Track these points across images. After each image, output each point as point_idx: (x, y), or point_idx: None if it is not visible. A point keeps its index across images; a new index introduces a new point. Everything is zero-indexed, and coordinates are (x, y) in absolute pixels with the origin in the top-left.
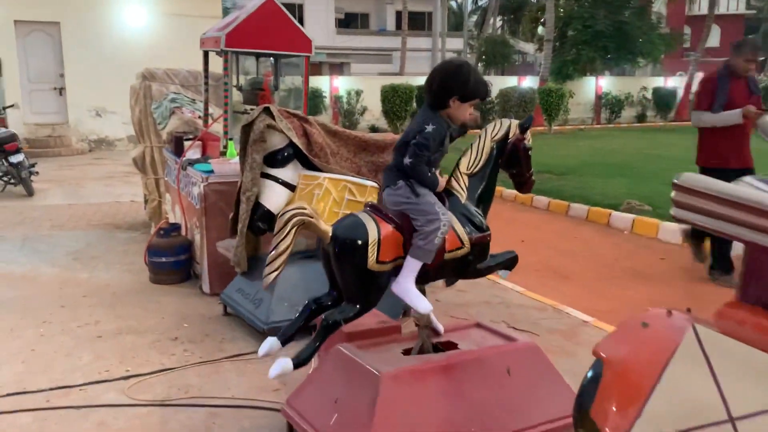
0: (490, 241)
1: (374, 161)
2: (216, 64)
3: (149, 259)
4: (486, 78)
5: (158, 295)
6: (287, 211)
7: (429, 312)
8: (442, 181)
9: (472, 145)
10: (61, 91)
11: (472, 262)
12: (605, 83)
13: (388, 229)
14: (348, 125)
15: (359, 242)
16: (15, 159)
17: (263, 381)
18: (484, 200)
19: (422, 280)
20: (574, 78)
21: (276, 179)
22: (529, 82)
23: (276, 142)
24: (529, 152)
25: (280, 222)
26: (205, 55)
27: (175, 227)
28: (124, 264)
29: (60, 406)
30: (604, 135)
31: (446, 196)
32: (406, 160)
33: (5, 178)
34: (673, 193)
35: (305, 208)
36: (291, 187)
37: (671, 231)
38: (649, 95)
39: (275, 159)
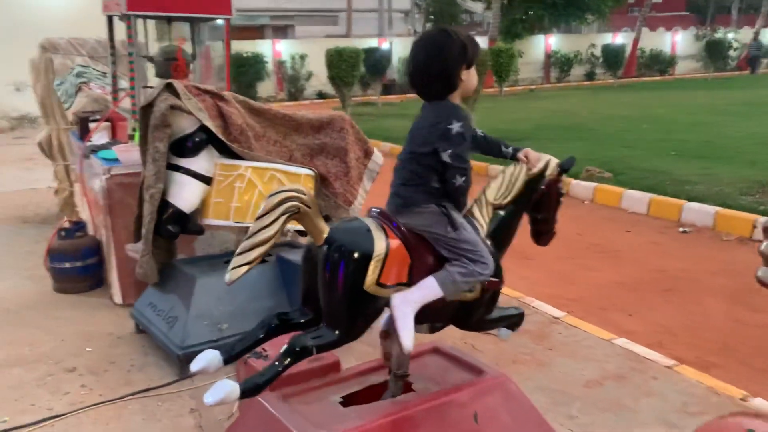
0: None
1: (308, 144)
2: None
3: (50, 264)
4: None
5: (61, 309)
6: (281, 191)
7: (408, 351)
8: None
9: (504, 170)
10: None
11: (478, 310)
12: (554, 41)
13: (397, 245)
14: (293, 91)
15: (360, 254)
16: None
17: (177, 426)
18: (501, 242)
19: (416, 319)
20: (523, 37)
21: (187, 171)
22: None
23: (184, 125)
24: (561, 199)
25: (269, 204)
26: (110, 20)
27: (80, 226)
28: (26, 269)
29: None
30: (555, 95)
31: (467, 221)
32: (459, 181)
33: None
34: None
35: (304, 193)
36: (206, 180)
37: (635, 199)
38: (597, 52)
39: (184, 147)
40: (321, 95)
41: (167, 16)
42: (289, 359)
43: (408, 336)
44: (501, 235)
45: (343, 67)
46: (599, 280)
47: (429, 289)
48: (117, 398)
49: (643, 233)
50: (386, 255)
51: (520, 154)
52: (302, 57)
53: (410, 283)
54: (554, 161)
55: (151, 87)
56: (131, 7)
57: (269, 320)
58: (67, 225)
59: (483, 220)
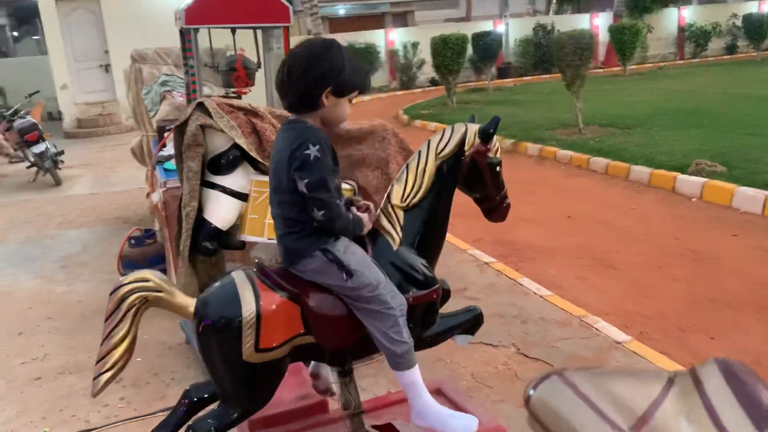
0: (440, 298)
1: (349, 154)
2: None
3: (122, 270)
4: (559, 16)
5: None
6: (121, 286)
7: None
8: (367, 217)
9: (408, 165)
10: (107, 68)
11: (412, 332)
12: (688, 13)
13: (273, 300)
14: (406, 80)
15: (228, 323)
16: (37, 149)
17: None
18: (430, 242)
19: (338, 361)
20: (652, 11)
21: (222, 188)
22: (602, 20)
23: (218, 143)
24: (498, 168)
25: (112, 301)
26: (181, 31)
27: (149, 234)
28: (108, 272)
29: None
30: (686, 73)
31: (370, 240)
32: (317, 215)
33: (35, 168)
34: None
35: (148, 279)
36: (243, 197)
37: (749, 197)
38: (739, 23)
39: (219, 164)
40: (434, 82)
41: (229, 28)
42: None
43: (461, 424)
44: (427, 236)
45: (449, 55)
46: (687, 294)
47: (406, 380)
48: (148, 414)
49: (752, 238)
50: (258, 316)
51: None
52: (414, 45)
53: (308, 331)
54: (473, 129)
55: (225, 96)
56: (189, 21)
57: (187, 395)
58: (137, 233)
59: (394, 230)
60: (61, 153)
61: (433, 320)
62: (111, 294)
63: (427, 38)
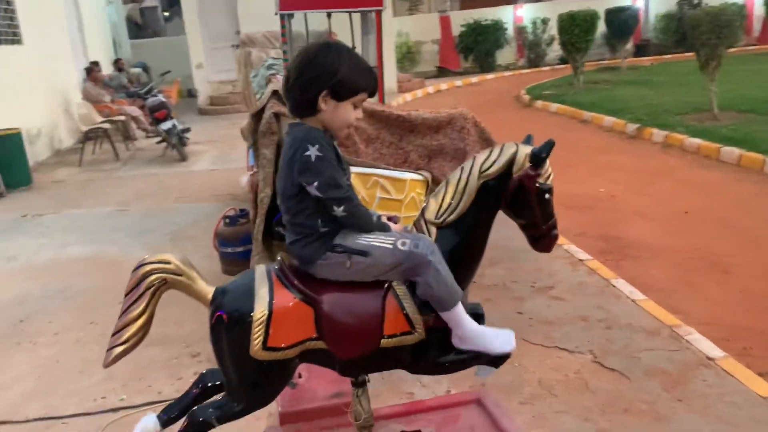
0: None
1: (426, 145)
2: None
3: (218, 247)
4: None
5: None
6: (143, 264)
7: (508, 350)
8: (397, 227)
9: (448, 180)
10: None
11: (428, 353)
12: None
13: (287, 299)
14: (534, 58)
15: (239, 319)
16: (165, 126)
17: (251, 426)
18: (461, 264)
19: (348, 372)
20: None
21: None
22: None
23: None
24: (548, 195)
25: (133, 278)
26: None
27: (243, 214)
28: (210, 248)
29: None
30: None
31: None
32: (338, 212)
33: (164, 144)
34: None
35: (169, 262)
36: None
37: None
38: None
39: None
40: (563, 60)
41: (318, 12)
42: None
43: (499, 341)
44: (459, 257)
45: (576, 32)
46: None
47: (447, 315)
48: None
49: None
50: (269, 316)
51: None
52: (544, 21)
53: (320, 336)
54: (524, 151)
55: None
56: (284, 7)
57: (203, 378)
58: (232, 212)
59: None
60: (188, 130)
61: (452, 347)
62: (133, 271)
63: (557, 14)
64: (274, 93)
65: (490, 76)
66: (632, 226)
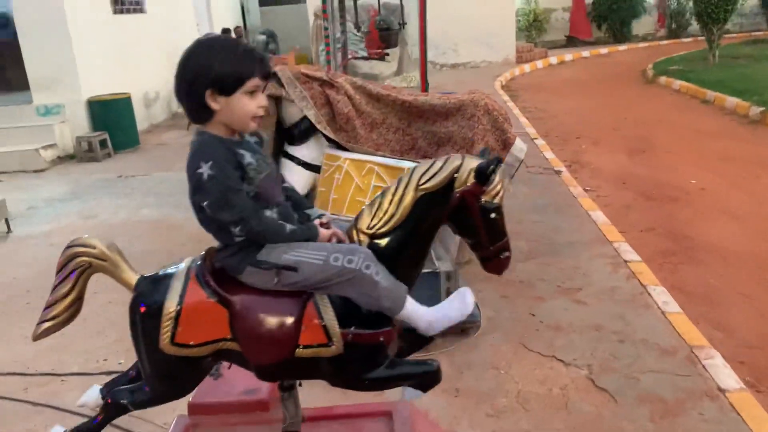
0: (391, 341)
1: (435, 132)
2: None
3: None
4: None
5: None
6: (70, 246)
7: (471, 309)
8: (325, 232)
9: (385, 191)
10: None
11: (348, 368)
12: None
13: (199, 300)
14: (675, 28)
15: (150, 311)
16: None
17: None
18: (397, 277)
19: (264, 376)
20: None
21: (293, 158)
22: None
23: (294, 113)
24: (494, 215)
25: (61, 258)
26: None
27: None
28: None
29: (18, 398)
30: None
31: None
32: (235, 232)
33: None
34: None
35: (95, 247)
36: (315, 168)
37: None
38: None
39: (292, 134)
40: None
41: None
42: (104, 414)
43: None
44: (399, 272)
45: (714, 1)
46: None
47: (402, 315)
48: None
49: None
50: (179, 313)
51: (317, 221)
52: None
53: (235, 337)
54: (469, 165)
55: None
56: None
57: None
58: None
59: None
60: None
61: (377, 363)
62: (63, 250)
63: None
64: (273, 75)
65: (622, 47)
66: (712, 225)
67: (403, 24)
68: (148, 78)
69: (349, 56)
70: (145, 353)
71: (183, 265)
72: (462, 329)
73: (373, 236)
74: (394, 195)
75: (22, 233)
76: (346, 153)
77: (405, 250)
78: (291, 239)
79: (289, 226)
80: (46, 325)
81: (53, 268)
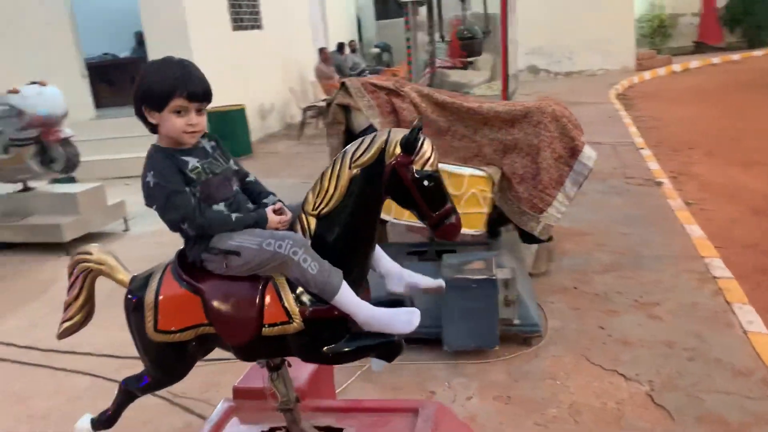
0: (347, 318)
1: (500, 139)
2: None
3: None
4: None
5: None
6: (76, 254)
7: (410, 329)
8: (274, 216)
9: (323, 174)
10: None
11: (309, 344)
12: None
13: (173, 290)
14: None
15: (136, 303)
16: None
17: None
18: (341, 255)
19: (242, 356)
20: None
21: None
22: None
23: (362, 122)
24: (427, 182)
25: (69, 265)
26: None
27: None
28: None
29: (110, 377)
30: None
31: None
32: (187, 229)
33: None
34: None
35: (91, 253)
36: None
37: None
38: None
39: None
40: None
41: None
42: (119, 398)
43: (394, 321)
44: (338, 248)
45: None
46: None
47: (336, 302)
48: None
49: None
50: (156, 303)
51: (270, 207)
52: None
53: (210, 321)
54: (395, 138)
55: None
56: None
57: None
58: None
59: (303, 235)
60: None
61: (334, 337)
62: (71, 257)
63: None
64: (342, 84)
65: (758, 52)
66: None
67: (488, 32)
68: (264, 90)
69: (434, 66)
70: (139, 342)
71: (162, 263)
72: (524, 339)
73: (318, 217)
74: (331, 175)
75: (136, 232)
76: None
77: (350, 228)
78: (238, 226)
79: (235, 216)
80: (66, 324)
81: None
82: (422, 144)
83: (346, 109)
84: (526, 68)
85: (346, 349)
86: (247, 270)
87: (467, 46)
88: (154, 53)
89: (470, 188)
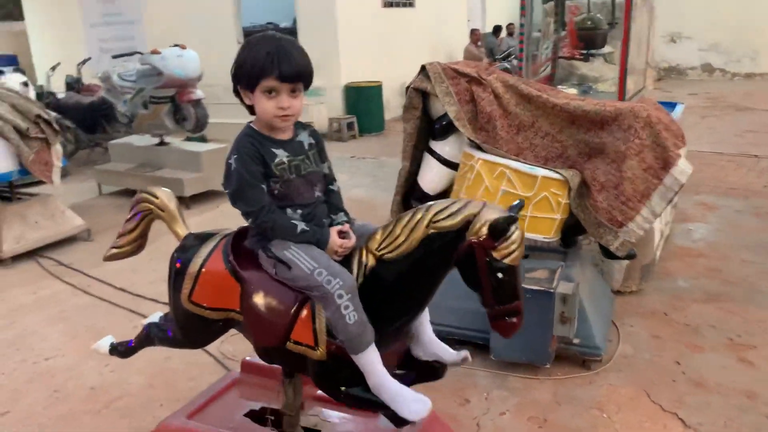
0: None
1: (587, 141)
2: None
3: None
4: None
5: None
6: (140, 192)
7: (413, 419)
8: (336, 239)
9: (401, 216)
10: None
11: (326, 376)
12: None
13: (216, 267)
14: None
15: (179, 267)
16: None
17: None
18: (388, 307)
19: (261, 355)
20: None
21: (433, 153)
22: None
23: (438, 108)
24: (501, 275)
25: (132, 202)
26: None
27: None
28: None
29: None
30: None
31: None
32: (248, 222)
33: None
34: None
35: (157, 197)
36: (454, 166)
37: None
38: None
39: (434, 129)
40: None
41: None
42: (137, 340)
43: (405, 407)
44: (385, 298)
45: None
46: None
47: (358, 359)
48: None
49: None
50: (198, 275)
51: (337, 227)
52: None
53: (242, 312)
54: (486, 216)
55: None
56: None
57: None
58: None
59: (358, 270)
60: None
61: (356, 381)
62: (135, 195)
63: None
64: (422, 69)
65: None
66: None
67: (613, 23)
68: (408, 69)
69: (556, 56)
70: (172, 302)
71: (220, 234)
72: (583, 361)
73: (379, 259)
74: (407, 224)
75: None
76: (481, 153)
77: (405, 282)
78: (300, 239)
79: (301, 227)
80: (113, 251)
81: None
82: (512, 234)
83: (423, 94)
84: (699, 66)
85: (360, 396)
86: (292, 285)
87: (587, 37)
88: (302, 25)
89: (542, 191)
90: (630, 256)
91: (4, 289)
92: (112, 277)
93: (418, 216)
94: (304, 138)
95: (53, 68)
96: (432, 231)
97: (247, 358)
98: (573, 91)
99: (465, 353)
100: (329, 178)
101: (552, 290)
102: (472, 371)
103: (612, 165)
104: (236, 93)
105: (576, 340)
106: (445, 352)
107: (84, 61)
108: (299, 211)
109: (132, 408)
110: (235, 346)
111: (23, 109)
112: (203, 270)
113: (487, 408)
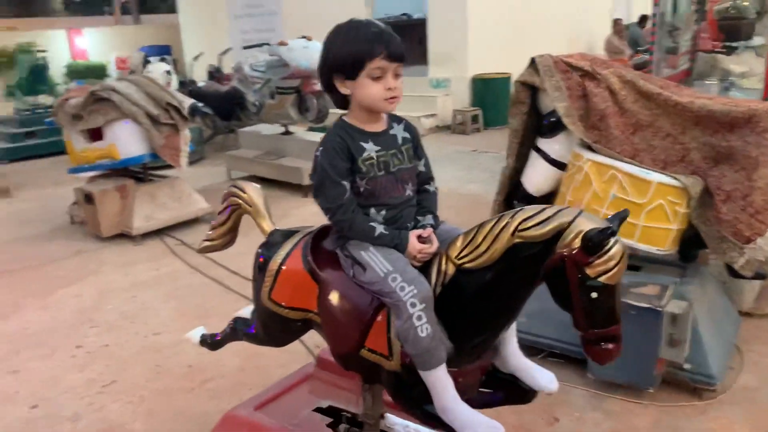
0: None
1: (713, 143)
2: None
3: None
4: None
5: None
6: (230, 187)
7: None
8: (416, 243)
9: (483, 223)
10: None
11: (400, 388)
12: None
13: (295, 266)
14: None
15: (261, 264)
16: None
17: None
18: (465, 321)
19: (336, 358)
20: None
21: (539, 151)
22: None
23: (547, 103)
24: (594, 295)
25: (222, 196)
26: None
27: None
28: None
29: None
30: None
31: None
32: (328, 219)
33: None
34: None
35: (245, 192)
36: (562, 166)
37: None
38: None
39: (542, 126)
40: None
41: None
42: (224, 333)
43: (472, 425)
44: (463, 311)
45: None
46: None
47: (426, 376)
48: None
49: None
50: (277, 273)
51: (417, 231)
52: None
53: (319, 314)
54: (580, 226)
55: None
56: None
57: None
58: None
59: (436, 279)
60: None
61: (428, 395)
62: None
63: None
64: (531, 61)
65: None
66: None
67: (763, 12)
68: None
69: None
70: (254, 296)
71: (303, 231)
72: (694, 387)
73: (459, 267)
74: (490, 231)
75: None
76: (591, 153)
77: (487, 295)
78: (377, 242)
79: (379, 230)
80: (205, 243)
81: None
82: (610, 249)
83: (532, 88)
84: None
85: (435, 415)
86: (368, 289)
87: (729, 28)
88: (433, 18)
89: (657, 198)
90: (760, 276)
91: (132, 264)
92: (228, 260)
93: (503, 223)
94: (398, 132)
95: (196, 58)
96: (517, 240)
97: (322, 352)
98: (714, 86)
99: (554, 385)
100: (424, 177)
101: (660, 309)
102: (567, 388)
103: (741, 173)
104: (328, 87)
105: (687, 366)
106: (528, 371)
107: (225, 51)
108: (383, 212)
109: (222, 390)
110: None
111: (156, 96)
112: (283, 268)
113: (577, 430)
